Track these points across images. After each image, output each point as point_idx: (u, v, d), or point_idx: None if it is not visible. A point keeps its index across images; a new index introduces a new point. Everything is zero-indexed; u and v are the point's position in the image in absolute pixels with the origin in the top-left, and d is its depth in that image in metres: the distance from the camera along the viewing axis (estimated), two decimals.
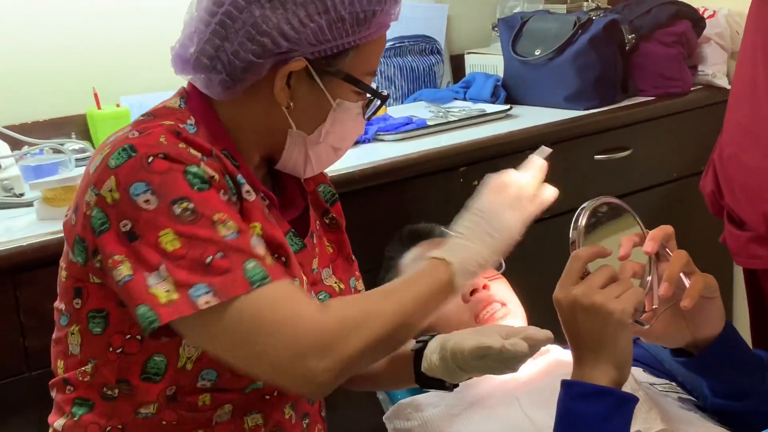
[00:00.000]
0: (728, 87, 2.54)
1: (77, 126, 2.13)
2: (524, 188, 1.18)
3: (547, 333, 1.11)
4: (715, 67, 2.55)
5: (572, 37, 2.33)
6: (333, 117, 1.17)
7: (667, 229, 1.18)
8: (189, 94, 1.19)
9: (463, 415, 1.29)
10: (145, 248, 1.03)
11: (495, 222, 1.14)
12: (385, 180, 1.95)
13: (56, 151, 1.93)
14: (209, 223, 1.03)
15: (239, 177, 1.12)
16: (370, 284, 1.68)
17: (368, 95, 1.19)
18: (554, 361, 1.39)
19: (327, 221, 1.32)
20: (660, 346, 1.36)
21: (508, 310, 1.39)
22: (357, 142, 2.09)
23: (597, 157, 2.32)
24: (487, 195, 1.17)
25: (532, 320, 1.45)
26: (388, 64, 2.56)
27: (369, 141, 2.11)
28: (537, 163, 1.22)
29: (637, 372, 1.33)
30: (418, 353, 1.23)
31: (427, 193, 2.03)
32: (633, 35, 2.38)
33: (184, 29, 1.16)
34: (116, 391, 1.13)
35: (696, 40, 2.48)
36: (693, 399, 1.33)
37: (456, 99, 2.51)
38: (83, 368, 1.14)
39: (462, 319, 1.37)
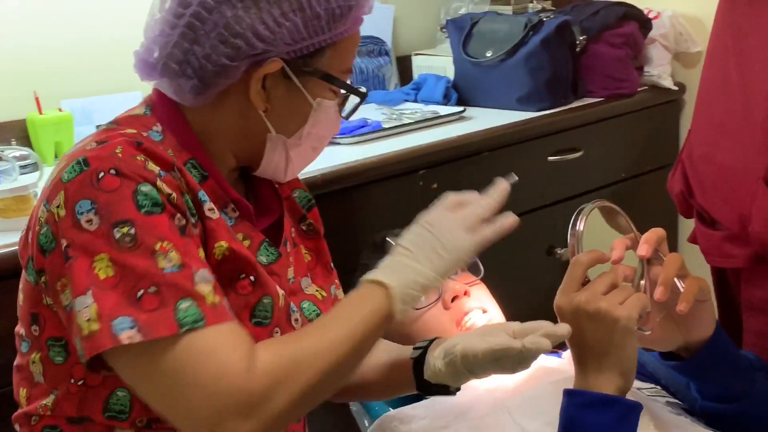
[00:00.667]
0: (673, 87, 2.59)
1: (17, 132, 2.02)
2: (483, 210, 1.09)
3: (566, 327, 1.07)
4: (660, 68, 2.58)
5: (524, 38, 2.33)
6: (314, 117, 1.12)
7: (659, 232, 1.17)
8: (155, 101, 1.13)
9: (452, 426, 1.25)
10: (77, 271, 0.95)
11: (445, 240, 1.05)
12: (345, 184, 1.91)
13: None
14: (148, 253, 0.95)
15: (201, 194, 1.06)
16: (344, 289, 1.64)
17: (343, 92, 1.15)
18: (539, 367, 1.36)
19: (304, 228, 1.27)
20: (641, 349, 1.36)
21: (490, 316, 1.36)
22: None
23: (550, 158, 2.32)
24: (441, 210, 1.09)
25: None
26: None
27: None
28: (501, 186, 1.13)
29: None
30: (418, 360, 1.19)
31: (387, 197, 2.00)
32: (584, 36, 2.38)
33: (147, 32, 1.09)
34: (83, 424, 1.06)
35: (643, 41, 2.51)
36: (679, 402, 1.32)
37: (406, 101, 2.48)
38: (44, 401, 1.06)
39: (443, 326, 1.34)
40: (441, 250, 1.05)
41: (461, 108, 2.33)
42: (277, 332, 1.09)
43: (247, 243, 1.11)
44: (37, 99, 1.99)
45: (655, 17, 2.55)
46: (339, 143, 2.08)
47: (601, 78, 2.46)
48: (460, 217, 1.08)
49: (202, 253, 1.02)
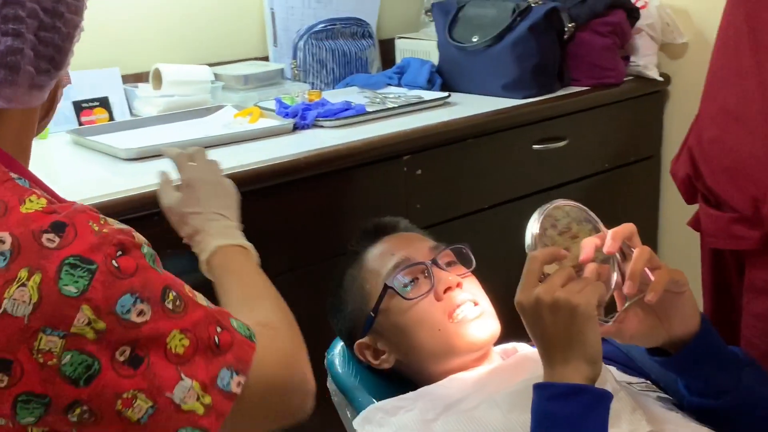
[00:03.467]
0: (659, 78, 2.57)
1: None
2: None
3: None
4: (647, 59, 2.56)
5: (511, 24, 2.29)
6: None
7: (628, 227, 1.16)
8: None
9: (440, 420, 1.22)
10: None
11: (228, 195, 1.34)
12: (328, 168, 1.87)
13: None
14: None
15: None
16: (323, 278, 1.61)
17: None
18: (526, 359, 1.34)
19: None
20: (630, 344, 1.34)
21: (482, 309, 1.33)
22: (295, 128, 2.02)
23: (535, 146, 2.29)
24: (202, 172, 1.37)
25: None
26: (319, 47, 2.46)
27: (308, 127, 2.02)
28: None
29: (613, 371, 1.30)
30: None
31: (371, 182, 1.96)
32: (572, 24, 2.35)
33: None
34: None
35: (630, 30, 2.48)
36: (670, 398, 1.30)
37: (390, 85, 2.44)
38: None
39: (434, 317, 1.30)
40: (228, 199, 1.33)
41: (446, 93, 2.29)
42: None
43: None
44: None
45: (643, 6, 2.52)
46: (322, 126, 2.04)
47: (587, 66, 2.43)
48: (212, 169, 1.38)
49: None
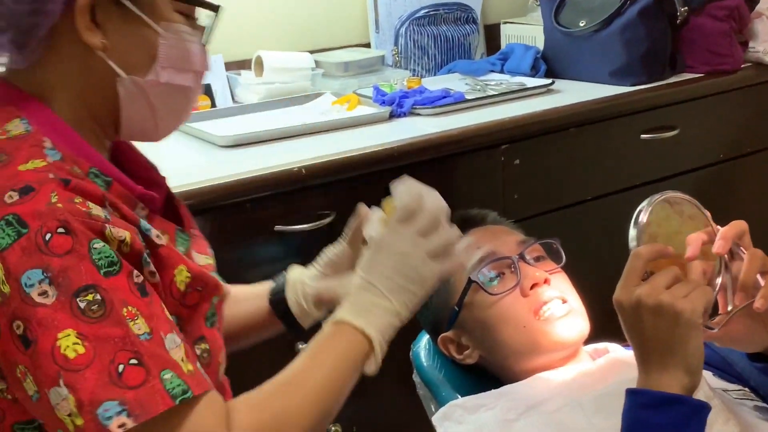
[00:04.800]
0: None
1: None
2: (451, 239, 1.07)
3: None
4: (767, 44, 2.42)
5: (620, 8, 2.22)
6: (166, 47, 0.94)
7: (739, 226, 1.08)
8: (19, 103, 0.92)
9: (521, 420, 1.18)
10: (41, 357, 0.80)
11: (415, 273, 1.01)
12: (423, 157, 1.84)
13: None
14: (121, 319, 0.82)
15: (143, 223, 0.92)
16: None
17: (195, 13, 0.98)
18: (617, 361, 1.28)
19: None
20: (727, 348, 1.26)
21: (570, 307, 1.28)
22: (392, 116, 2.00)
23: (643, 136, 2.20)
24: (401, 230, 1.02)
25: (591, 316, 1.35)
26: (421, 33, 2.43)
27: (405, 114, 2.00)
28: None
29: (708, 377, 1.23)
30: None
31: (466, 172, 1.93)
32: (685, 8, 2.25)
33: None
34: None
35: (748, 14, 2.37)
36: None
37: (492, 71, 2.40)
38: None
39: (519, 314, 1.26)
40: (412, 286, 1.01)
41: (549, 80, 2.23)
42: (217, 325, 1.01)
43: (165, 238, 0.96)
44: None
45: None
46: (419, 114, 2.02)
47: (701, 53, 2.33)
48: (428, 244, 1.02)
49: (165, 310, 0.89)
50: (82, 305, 0.81)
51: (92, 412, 0.79)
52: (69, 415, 0.80)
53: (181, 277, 0.94)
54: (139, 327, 0.83)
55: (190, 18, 0.98)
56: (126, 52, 0.93)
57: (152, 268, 0.90)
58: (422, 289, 1.02)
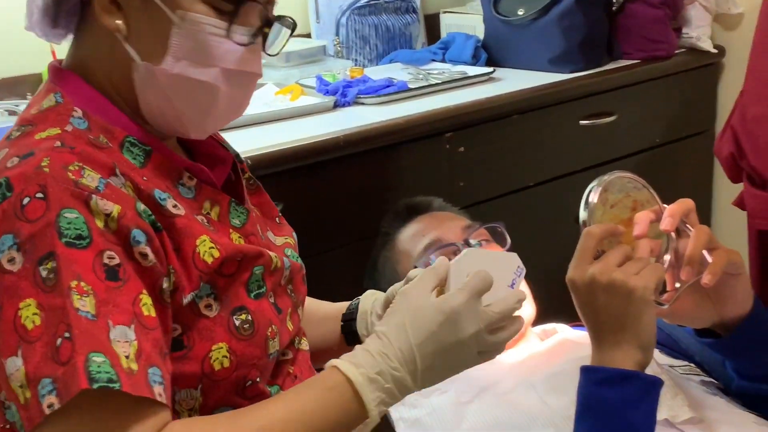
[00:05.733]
0: (712, 50, 2.49)
1: (32, 86, 1.97)
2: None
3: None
4: (700, 30, 2.47)
5: None
6: (179, 37, 0.91)
7: (686, 203, 1.11)
8: (57, 81, 0.95)
9: (474, 402, 1.20)
10: (3, 325, 0.79)
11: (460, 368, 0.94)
12: (369, 146, 1.84)
13: (11, 112, 1.79)
14: (65, 290, 0.79)
15: (157, 193, 0.90)
16: (363, 257, 1.59)
17: (226, 7, 0.92)
18: (566, 341, 1.31)
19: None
20: (675, 325, 1.30)
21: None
22: (336, 105, 1.99)
23: (582, 122, 2.24)
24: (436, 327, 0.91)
25: (537, 298, 1.38)
26: (362, 23, 2.43)
27: (349, 104, 2.00)
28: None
29: (656, 353, 1.25)
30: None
31: (412, 160, 1.93)
32: None
33: None
34: None
35: (682, 1, 2.40)
36: (714, 381, 1.26)
37: (434, 60, 2.40)
38: None
39: None
40: (446, 375, 0.93)
41: (490, 69, 2.25)
42: (271, 298, 1.00)
43: (216, 210, 0.98)
44: (53, 52, 1.93)
45: None
46: (363, 103, 2.01)
47: (637, 39, 2.36)
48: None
49: (146, 300, 0.84)
50: (43, 274, 0.80)
51: (35, 387, 0.78)
52: (20, 386, 0.79)
53: (205, 247, 0.92)
54: (84, 304, 0.79)
55: (223, 12, 0.93)
56: (143, 37, 0.92)
57: (145, 248, 0.86)
58: (448, 370, 0.94)
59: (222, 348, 0.93)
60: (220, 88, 0.95)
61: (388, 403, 0.91)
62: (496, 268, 0.96)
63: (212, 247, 0.93)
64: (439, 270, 0.95)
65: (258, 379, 0.97)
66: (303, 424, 0.87)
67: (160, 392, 0.82)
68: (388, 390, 0.90)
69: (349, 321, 1.18)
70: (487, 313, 0.92)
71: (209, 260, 0.92)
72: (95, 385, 0.77)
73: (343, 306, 1.20)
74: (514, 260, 1.00)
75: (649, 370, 1.12)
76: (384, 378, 0.89)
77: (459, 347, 0.91)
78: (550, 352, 1.28)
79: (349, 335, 1.17)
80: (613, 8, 2.31)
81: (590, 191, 1.09)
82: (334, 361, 0.90)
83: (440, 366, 0.92)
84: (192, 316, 0.91)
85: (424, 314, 0.91)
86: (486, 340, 0.92)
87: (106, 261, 0.82)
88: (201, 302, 0.92)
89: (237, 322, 0.94)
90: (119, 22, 0.91)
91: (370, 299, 1.18)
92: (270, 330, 0.97)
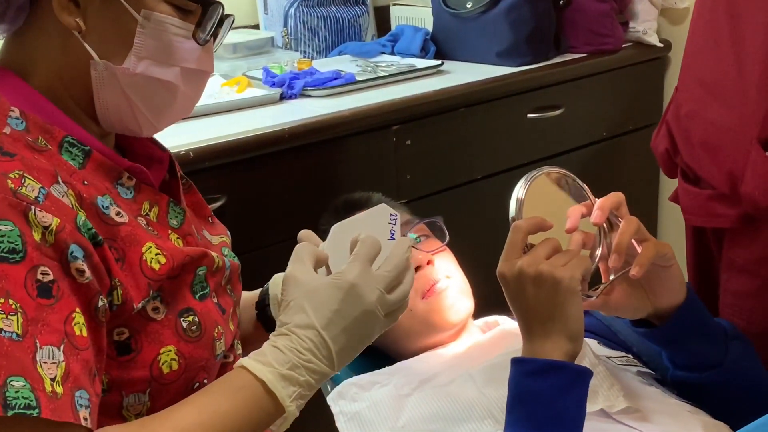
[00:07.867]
0: (659, 44, 2.52)
1: None
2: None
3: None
4: (646, 24, 2.51)
5: None
6: (143, 37, 0.92)
7: (616, 197, 1.12)
8: None
9: (414, 394, 1.20)
10: None
11: (370, 338, 0.94)
12: (315, 139, 1.84)
13: None
14: None
15: (100, 200, 0.89)
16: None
17: (190, 7, 0.94)
18: (506, 333, 1.32)
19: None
20: (611, 316, 1.31)
21: (454, 286, 1.30)
22: (283, 97, 1.98)
23: (529, 116, 2.25)
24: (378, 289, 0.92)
25: (477, 292, 1.38)
26: (311, 14, 2.42)
27: (295, 96, 1.99)
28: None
29: (593, 344, 1.27)
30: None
31: (359, 153, 1.93)
32: None
33: None
34: None
35: None
36: (651, 372, 1.28)
37: (383, 53, 2.40)
38: None
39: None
40: (360, 347, 0.93)
41: (439, 61, 2.25)
42: (214, 299, 1.00)
43: (155, 211, 0.97)
44: None
45: None
46: (310, 95, 2.01)
47: (584, 33, 2.38)
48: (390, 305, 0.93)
49: (79, 319, 0.81)
50: None
51: None
52: None
53: (151, 254, 0.91)
54: (9, 324, 0.76)
55: (185, 12, 0.94)
56: (103, 36, 0.91)
57: (82, 264, 0.83)
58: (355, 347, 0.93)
59: (170, 351, 0.92)
60: (180, 87, 0.96)
61: (306, 395, 0.90)
62: (372, 228, 0.95)
63: (158, 254, 0.92)
64: (308, 246, 0.96)
65: (206, 381, 0.96)
66: (221, 425, 0.85)
67: (85, 416, 0.79)
68: (305, 382, 0.89)
69: (263, 308, 1.17)
70: (382, 275, 0.92)
71: (156, 267, 0.91)
72: (10, 412, 0.74)
73: (256, 294, 1.20)
74: (385, 211, 0.99)
75: (587, 362, 1.14)
76: (298, 372, 0.88)
77: (365, 317, 0.91)
78: (491, 344, 1.29)
79: (267, 322, 1.16)
80: (561, 2, 2.32)
81: (519, 187, 1.10)
82: (242, 361, 0.89)
83: (352, 341, 0.91)
84: (140, 320, 0.90)
85: (322, 295, 0.90)
86: (388, 301, 0.92)
87: (39, 277, 0.80)
88: (149, 305, 0.91)
89: (184, 324, 0.93)
90: (78, 20, 0.90)
91: (278, 283, 1.16)
92: (216, 331, 0.97)
